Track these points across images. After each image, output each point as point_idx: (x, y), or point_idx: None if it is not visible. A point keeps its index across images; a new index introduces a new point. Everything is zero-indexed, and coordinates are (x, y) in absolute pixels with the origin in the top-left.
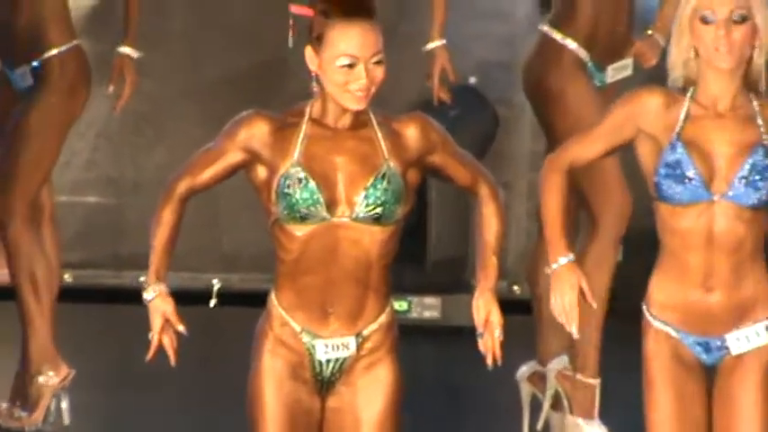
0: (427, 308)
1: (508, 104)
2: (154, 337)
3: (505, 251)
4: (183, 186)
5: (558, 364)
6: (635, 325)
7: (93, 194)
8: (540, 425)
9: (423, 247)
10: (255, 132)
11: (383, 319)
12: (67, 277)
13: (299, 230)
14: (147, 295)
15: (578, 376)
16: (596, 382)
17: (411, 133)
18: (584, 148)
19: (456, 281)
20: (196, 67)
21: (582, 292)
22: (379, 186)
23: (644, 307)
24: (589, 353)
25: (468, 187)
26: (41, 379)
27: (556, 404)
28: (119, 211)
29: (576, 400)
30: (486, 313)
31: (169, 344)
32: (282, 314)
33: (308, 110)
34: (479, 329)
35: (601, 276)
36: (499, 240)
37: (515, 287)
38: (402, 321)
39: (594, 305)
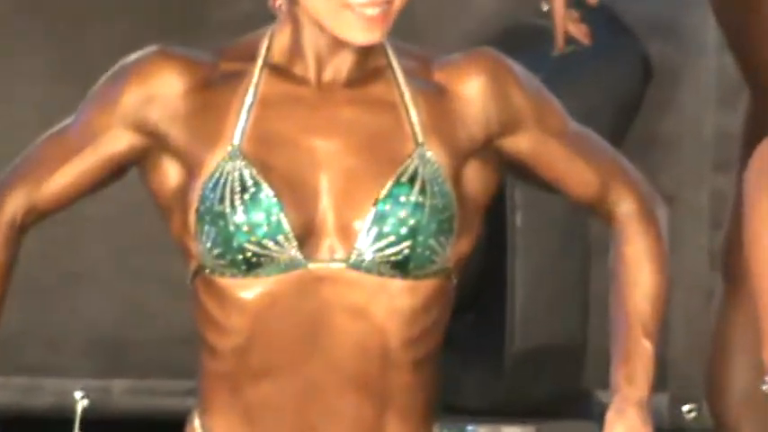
0: None
1: (670, 36)
2: None
3: (669, 334)
4: (14, 204)
5: None
6: None
7: None
8: None
9: (497, 332)
10: (158, 92)
11: None
12: None
13: (246, 289)
14: None
15: None
16: None
17: (472, 91)
18: None
19: (564, 394)
20: None
21: None
22: (403, 198)
23: None
24: None
25: (591, 201)
26: None
27: None
28: None
29: None
30: None
31: None
32: None
33: (262, 47)
34: None
35: None
36: (657, 308)
37: (687, 407)
38: None
39: None
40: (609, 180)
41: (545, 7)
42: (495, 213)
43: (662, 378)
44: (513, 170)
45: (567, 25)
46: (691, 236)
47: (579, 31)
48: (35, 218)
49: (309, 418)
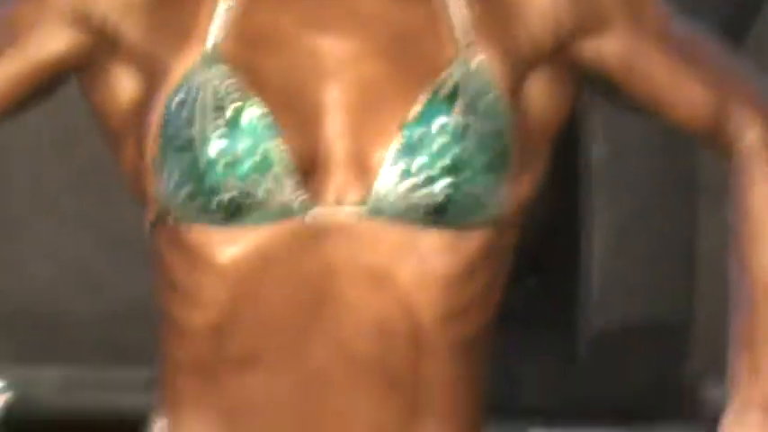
0: None
1: None
2: None
3: None
4: None
5: None
6: None
7: None
8: None
9: (568, 304)
10: None
11: None
12: None
13: (225, 247)
14: None
15: None
16: None
17: None
18: None
19: (658, 388)
20: None
21: None
22: (441, 120)
23: None
24: None
25: (703, 130)
26: None
27: None
28: None
29: None
30: None
31: None
32: None
33: None
34: None
35: None
36: None
37: None
38: None
39: None
40: (727, 99)
41: None
42: (566, 144)
43: None
44: (592, 85)
45: None
46: None
47: None
48: None
49: (311, 420)
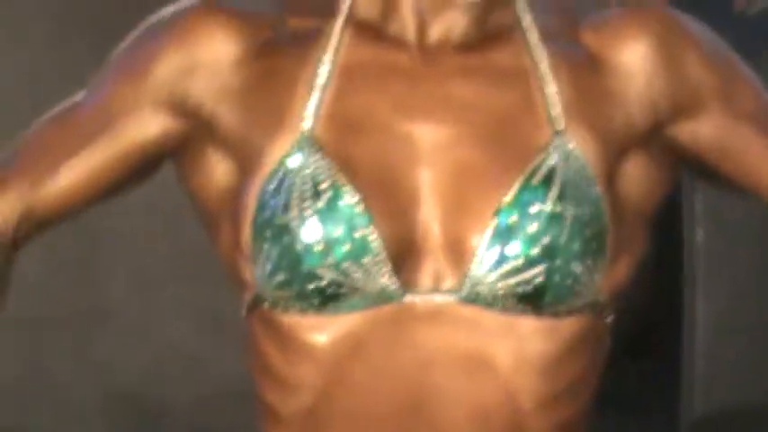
0: None
1: None
2: None
3: None
4: (4, 209)
5: None
6: None
7: None
8: None
9: (671, 389)
10: (205, 58)
11: None
12: None
13: (320, 332)
14: None
15: None
16: None
17: (635, 57)
18: None
19: None
20: None
21: None
22: (536, 206)
23: None
24: None
25: None
26: None
27: None
28: None
29: None
30: None
31: None
32: None
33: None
34: None
35: None
36: None
37: None
38: None
39: None
40: None
41: None
42: (667, 227)
43: None
44: (690, 167)
45: None
46: None
47: None
48: (32, 228)
49: None
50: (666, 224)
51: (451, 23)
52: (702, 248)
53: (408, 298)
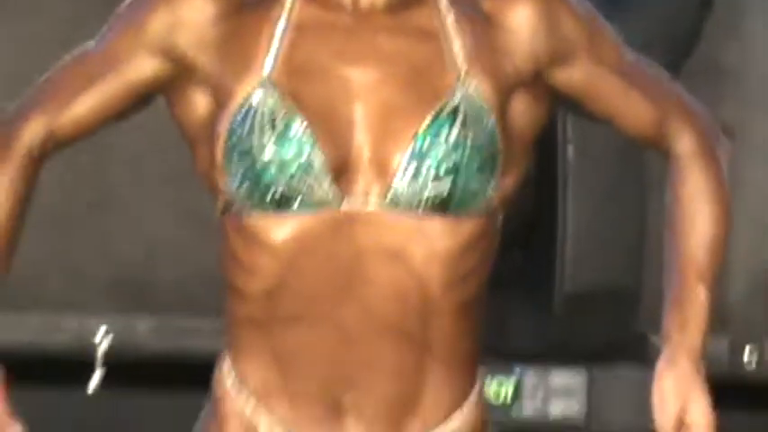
0: (557, 395)
1: None
2: None
3: (729, 275)
4: (32, 131)
5: None
6: None
7: None
8: None
9: (547, 270)
10: (187, 16)
11: (461, 420)
12: None
13: (277, 229)
14: None
15: None
16: None
17: (519, 19)
18: None
19: (615, 338)
20: None
21: None
22: (443, 134)
23: None
24: None
25: (648, 135)
26: None
27: None
28: None
29: None
30: (679, 404)
31: None
32: (246, 404)
33: None
34: None
35: None
36: (716, 249)
37: (748, 354)
38: (504, 424)
39: None
40: (667, 115)
41: None
42: (545, 147)
43: (721, 321)
44: (564, 102)
45: None
46: (753, 172)
47: None
48: (54, 146)
49: (345, 367)
50: (545, 148)
51: None
52: (572, 162)
53: (345, 205)
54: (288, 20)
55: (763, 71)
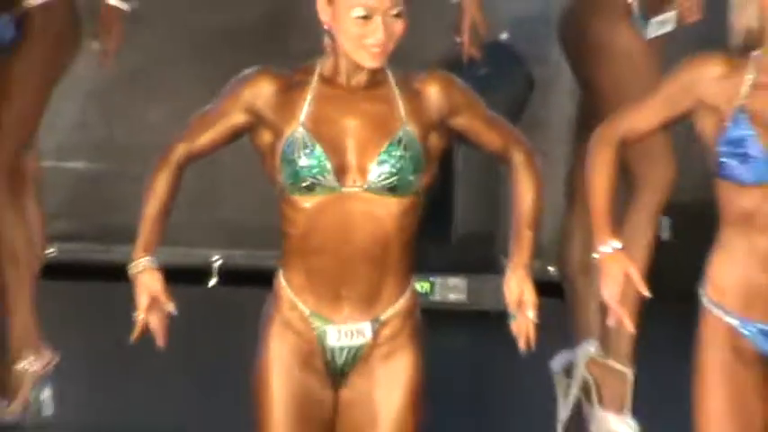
0: (452, 289)
1: (544, 63)
2: (139, 316)
3: (541, 228)
4: (180, 152)
5: (588, 348)
6: (683, 310)
7: (81, 159)
8: (563, 414)
9: (447, 223)
10: (260, 92)
11: (403, 302)
12: (52, 251)
13: (306, 202)
14: (132, 269)
15: (609, 361)
16: (629, 371)
17: (432, 93)
18: (639, 120)
19: (484, 259)
20: (195, 19)
21: (632, 281)
22: (394, 153)
23: (700, 291)
24: (622, 337)
25: (499, 153)
26: (21, 365)
27: (587, 395)
28: (109, 179)
29: (606, 389)
30: (519, 293)
31: (157, 325)
32: (291, 296)
33: (318, 67)
34: (511, 311)
35: (636, 252)
36: (535, 212)
37: (551, 267)
38: (425, 305)
39: (647, 294)
40: (508, 141)
41: (504, 36)
42: (446, 158)
43: (537, 251)
44: (455, 136)
45: (471, 51)
46: (554, 176)
47: (477, 54)
48: (190, 162)
49: (342, 277)
50: (445, 158)
51: (360, 78)
52: (460, 167)
53: (343, 190)
54: (313, 93)
55: (558, 123)
